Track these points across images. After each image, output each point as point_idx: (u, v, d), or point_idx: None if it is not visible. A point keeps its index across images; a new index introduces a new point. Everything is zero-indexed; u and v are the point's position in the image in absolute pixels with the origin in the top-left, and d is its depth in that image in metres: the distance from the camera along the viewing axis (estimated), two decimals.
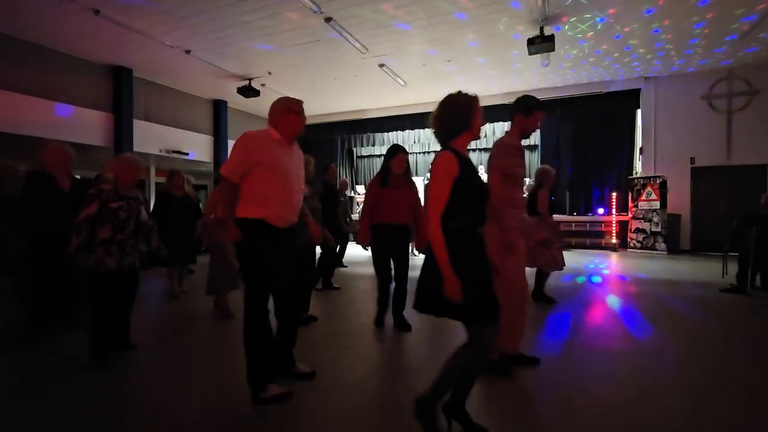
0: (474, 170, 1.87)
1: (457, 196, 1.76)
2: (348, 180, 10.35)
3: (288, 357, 2.61)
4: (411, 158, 13.91)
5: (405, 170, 3.58)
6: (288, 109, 2.45)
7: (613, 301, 4.79)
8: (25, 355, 3.12)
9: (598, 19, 6.73)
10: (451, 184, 1.76)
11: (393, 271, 3.63)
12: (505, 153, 2.64)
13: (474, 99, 1.91)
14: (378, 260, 3.65)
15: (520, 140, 2.75)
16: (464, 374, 1.84)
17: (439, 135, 1.93)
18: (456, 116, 1.87)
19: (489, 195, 1.94)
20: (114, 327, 3.00)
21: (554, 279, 5.99)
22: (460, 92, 1.93)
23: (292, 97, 2.52)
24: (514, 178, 2.63)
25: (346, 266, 7.10)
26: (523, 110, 2.70)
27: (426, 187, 9.17)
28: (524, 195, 3.18)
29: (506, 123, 12.29)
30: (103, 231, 2.88)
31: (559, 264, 4.45)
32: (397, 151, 3.57)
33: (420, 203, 3.62)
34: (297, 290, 2.55)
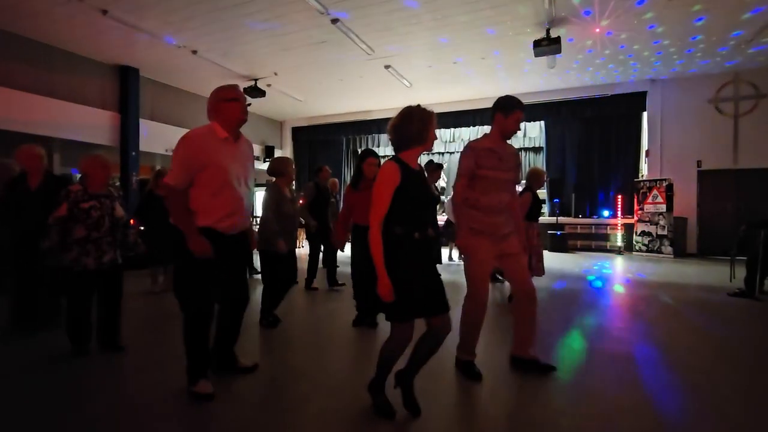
0: (419, 181, 2.01)
1: (397, 204, 1.91)
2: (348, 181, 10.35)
3: (230, 354, 2.65)
4: None
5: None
6: (221, 98, 2.28)
7: (618, 304, 4.76)
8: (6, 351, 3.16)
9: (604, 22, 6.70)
10: (392, 192, 1.90)
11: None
12: (472, 155, 2.59)
13: (431, 114, 2.01)
14: (353, 261, 3.82)
15: (502, 141, 2.67)
16: (388, 360, 2.08)
17: (393, 143, 2.07)
18: (412, 129, 1.98)
19: (434, 204, 2.14)
20: (88, 323, 3.04)
21: (557, 282, 5.96)
22: (419, 106, 2.03)
23: (232, 84, 2.39)
24: (484, 181, 2.57)
25: (338, 266, 6.99)
26: (501, 110, 2.62)
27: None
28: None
29: None
30: (78, 230, 2.92)
31: (537, 271, 4.48)
32: (367, 155, 3.76)
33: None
34: (245, 296, 2.56)
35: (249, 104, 2.41)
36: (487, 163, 2.58)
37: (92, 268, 2.94)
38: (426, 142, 2.01)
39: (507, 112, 2.61)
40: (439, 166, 5.84)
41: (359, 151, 14.38)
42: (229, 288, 2.43)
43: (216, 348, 2.58)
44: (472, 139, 2.85)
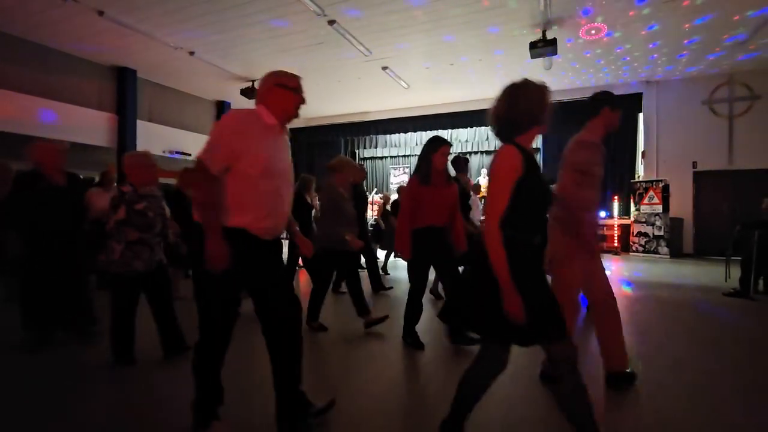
0: (540, 173, 1.62)
1: (515, 201, 1.53)
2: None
3: (298, 397, 1.96)
4: (413, 160, 13.99)
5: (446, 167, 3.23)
6: (281, 83, 1.93)
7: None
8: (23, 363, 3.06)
9: (599, 21, 6.75)
10: (513, 185, 1.52)
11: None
12: (586, 149, 2.38)
13: (545, 89, 1.64)
14: (416, 269, 3.17)
15: (603, 137, 2.48)
16: (476, 391, 1.72)
17: (503, 127, 1.65)
18: (531, 107, 1.59)
19: (551, 201, 1.79)
20: (132, 330, 2.91)
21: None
22: (528, 81, 1.63)
23: (294, 74, 2.02)
24: (592, 178, 2.38)
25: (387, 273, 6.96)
26: (610, 104, 2.44)
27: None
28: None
29: None
30: (130, 233, 2.78)
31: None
32: (441, 143, 3.06)
33: (458, 204, 3.28)
34: (294, 313, 1.96)
35: (304, 103, 2.07)
36: (597, 158, 2.40)
37: (141, 270, 2.82)
38: (545, 122, 1.64)
39: (614, 107, 2.45)
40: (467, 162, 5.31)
41: (357, 152, 14.42)
42: (273, 305, 1.90)
43: (280, 394, 1.93)
44: (578, 136, 2.50)
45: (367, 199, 5.62)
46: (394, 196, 7.46)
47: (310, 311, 3.65)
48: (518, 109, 1.59)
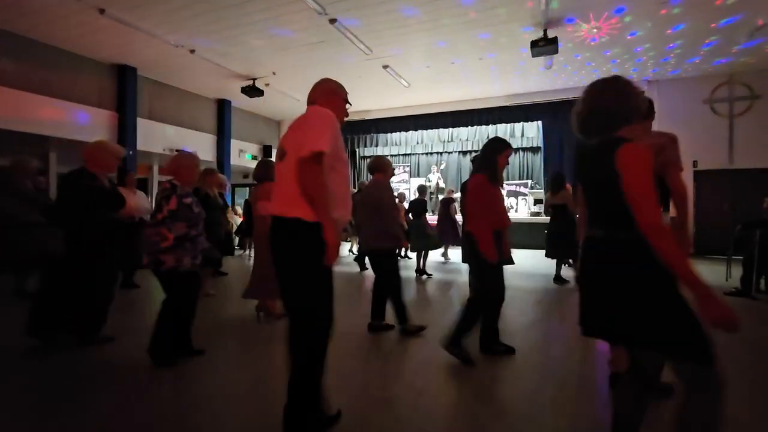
0: None
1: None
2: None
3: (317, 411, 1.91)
4: (413, 159, 14.02)
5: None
6: (340, 95, 2.13)
7: None
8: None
9: (598, 21, 6.74)
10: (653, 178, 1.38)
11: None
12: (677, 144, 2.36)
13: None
14: (496, 273, 2.94)
15: None
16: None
17: (602, 122, 1.54)
18: (630, 101, 1.51)
19: None
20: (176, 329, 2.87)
21: (549, 282, 5.98)
22: (619, 77, 1.55)
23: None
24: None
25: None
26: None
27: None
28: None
29: (509, 125, 12.36)
30: (179, 227, 2.77)
31: None
32: (505, 145, 3.06)
33: None
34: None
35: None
36: None
37: (188, 267, 2.80)
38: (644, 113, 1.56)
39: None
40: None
41: (357, 150, 14.41)
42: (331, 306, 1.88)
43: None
44: (651, 136, 2.37)
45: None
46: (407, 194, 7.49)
47: (401, 315, 3.53)
48: (630, 102, 1.51)
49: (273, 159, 4.18)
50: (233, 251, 6.39)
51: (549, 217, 6.16)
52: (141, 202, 5.83)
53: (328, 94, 2.06)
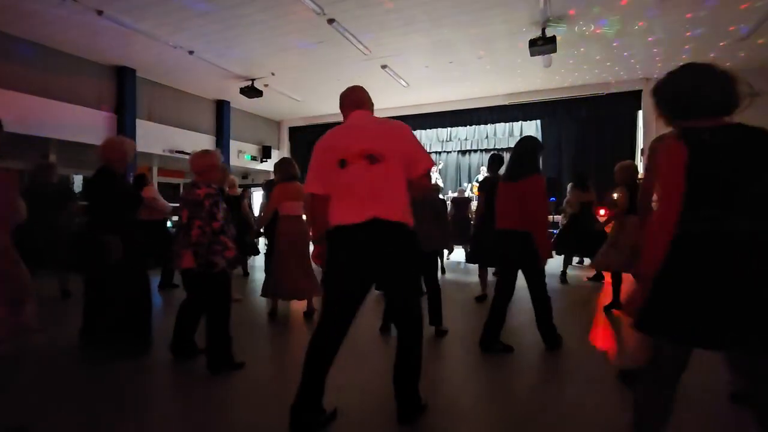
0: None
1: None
2: None
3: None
4: None
5: None
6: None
7: (614, 303, 4.79)
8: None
9: (601, 20, 6.75)
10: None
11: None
12: None
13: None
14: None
15: None
16: None
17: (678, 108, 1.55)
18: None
19: None
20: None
21: (555, 282, 6.00)
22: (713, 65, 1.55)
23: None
24: None
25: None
26: None
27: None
28: None
29: (508, 124, 12.37)
30: (231, 231, 2.75)
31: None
32: (541, 143, 3.26)
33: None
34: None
35: None
36: None
37: (223, 266, 2.70)
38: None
39: None
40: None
41: None
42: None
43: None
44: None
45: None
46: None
47: (437, 316, 3.55)
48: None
49: (287, 157, 4.18)
50: (258, 251, 6.34)
51: (565, 216, 6.17)
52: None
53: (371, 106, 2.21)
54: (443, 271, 6.88)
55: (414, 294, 2.07)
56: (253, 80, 9.51)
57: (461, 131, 13.09)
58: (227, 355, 2.73)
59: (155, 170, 10.93)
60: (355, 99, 2.13)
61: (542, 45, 6.79)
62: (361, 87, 2.22)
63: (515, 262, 3.08)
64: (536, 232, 2.91)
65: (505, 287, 3.09)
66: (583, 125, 10.87)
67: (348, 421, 2.09)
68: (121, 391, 2.51)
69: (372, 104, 2.19)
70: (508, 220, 3.04)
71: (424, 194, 1.94)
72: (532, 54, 7.05)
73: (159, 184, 10.87)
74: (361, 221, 1.86)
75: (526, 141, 3.18)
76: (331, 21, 6.62)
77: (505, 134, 12.63)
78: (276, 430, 1.95)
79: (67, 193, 4.93)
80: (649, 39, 7.48)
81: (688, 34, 7.23)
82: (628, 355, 2.45)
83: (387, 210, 1.87)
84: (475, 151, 13.24)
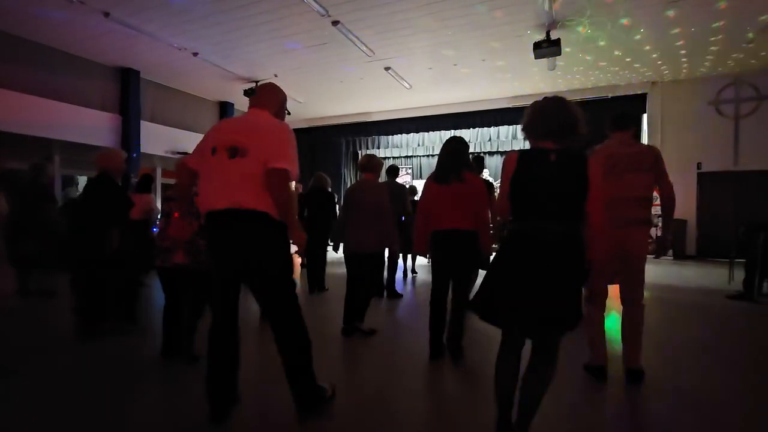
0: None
1: None
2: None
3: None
4: (415, 161, 14.01)
5: None
6: (285, 106, 2.34)
7: (616, 306, 4.76)
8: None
9: (606, 25, 6.72)
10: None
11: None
12: None
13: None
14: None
15: None
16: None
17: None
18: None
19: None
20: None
21: None
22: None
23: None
24: None
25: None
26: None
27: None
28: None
29: (511, 127, 12.33)
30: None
31: None
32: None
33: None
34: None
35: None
36: None
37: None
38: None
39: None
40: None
41: (359, 152, 14.40)
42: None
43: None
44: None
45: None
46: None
47: (359, 313, 3.65)
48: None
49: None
50: None
51: None
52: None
53: (281, 108, 2.26)
54: (413, 272, 6.90)
55: (283, 293, 2.07)
56: (256, 82, 9.53)
57: (464, 133, 13.03)
58: (188, 343, 2.88)
59: (159, 171, 10.96)
60: (260, 98, 2.23)
61: (547, 48, 6.77)
62: (274, 88, 2.27)
63: (453, 262, 2.97)
64: (483, 232, 2.94)
65: (442, 288, 3.01)
66: (588, 128, 10.80)
67: (341, 420, 2.07)
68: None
69: (279, 107, 2.25)
70: (449, 220, 2.90)
71: (277, 195, 1.95)
72: (537, 57, 7.02)
73: (163, 185, 10.89)
74: (219, 208, 1.98)
75: (453, 142, 3.07)
76: (335, 23, 6.63)
77: (508, 137, 12.58)
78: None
79: (44, 194, 5.12)
80: (647, 47, 7.46)
81: (691, 39, 7.20)
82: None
83: (240, 200, 1.96)
84: (477, 153, 13.24)
